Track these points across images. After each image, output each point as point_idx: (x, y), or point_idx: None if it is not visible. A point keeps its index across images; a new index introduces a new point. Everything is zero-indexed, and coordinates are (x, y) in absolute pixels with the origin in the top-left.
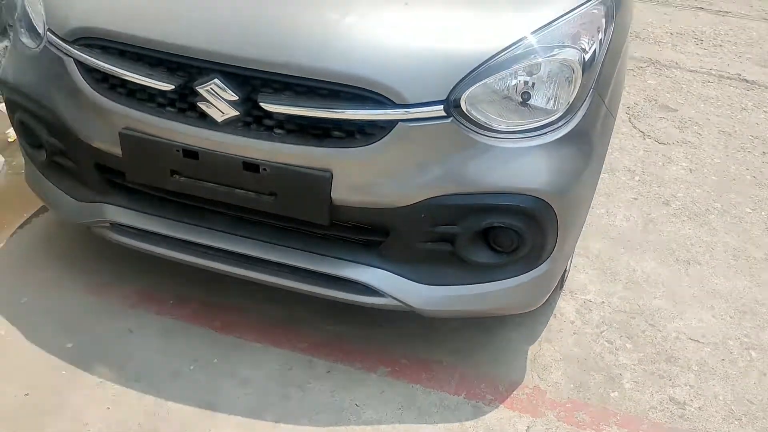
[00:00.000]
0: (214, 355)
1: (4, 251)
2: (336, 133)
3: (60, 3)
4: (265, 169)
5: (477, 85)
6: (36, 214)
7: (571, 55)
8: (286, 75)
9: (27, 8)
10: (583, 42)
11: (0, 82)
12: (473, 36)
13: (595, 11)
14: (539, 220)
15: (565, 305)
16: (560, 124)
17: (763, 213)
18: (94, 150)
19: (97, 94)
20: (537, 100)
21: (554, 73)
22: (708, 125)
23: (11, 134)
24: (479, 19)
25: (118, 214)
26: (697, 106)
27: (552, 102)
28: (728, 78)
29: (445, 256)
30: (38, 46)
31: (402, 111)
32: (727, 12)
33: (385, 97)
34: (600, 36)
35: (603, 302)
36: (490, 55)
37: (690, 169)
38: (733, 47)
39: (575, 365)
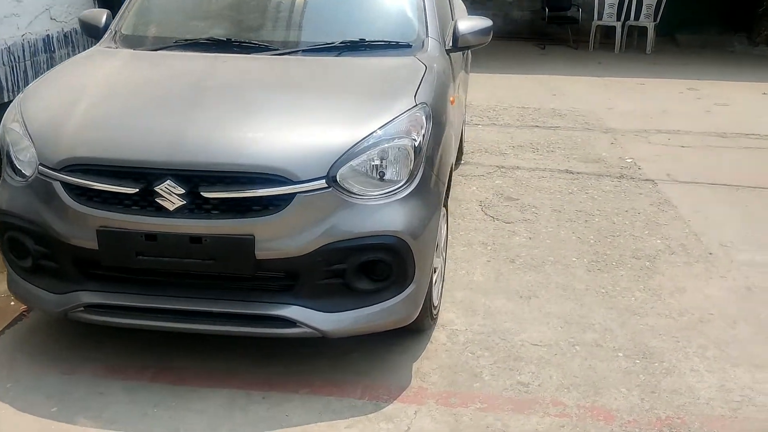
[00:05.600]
0: (173, 399)
1: None
2: (255, 207)
3: (48, 143)
4: (206, 240)
5: (346, 165)
6: (8, 326)
7: (406, 143)
8: (216, 171)
9: (12, 154)
10: (413, 134)
11: None
12: (340, 133)
13: (418, 114)
14: (400, 253)
15: (438, 334)
16: (404, 187)
17: (584, 260)
18: (74, 248)
19: (78, 204)
20: (388, 175)
21: (397, 156)
22: (543, 207)
23: None
24: (344, 121)
25: (90, 297)
26: (534, 194)
27: (398, 175)
28: (558, 172)
29: (340, 288)
30: (28, 179)
31: (299, 186)
32: (557, 126)
33: (285, 177)
34: (423, 130)
35: (467, 329)
36: (352, 144)
37: (529, 237)
38: (562, 151)
39: (448, 370)
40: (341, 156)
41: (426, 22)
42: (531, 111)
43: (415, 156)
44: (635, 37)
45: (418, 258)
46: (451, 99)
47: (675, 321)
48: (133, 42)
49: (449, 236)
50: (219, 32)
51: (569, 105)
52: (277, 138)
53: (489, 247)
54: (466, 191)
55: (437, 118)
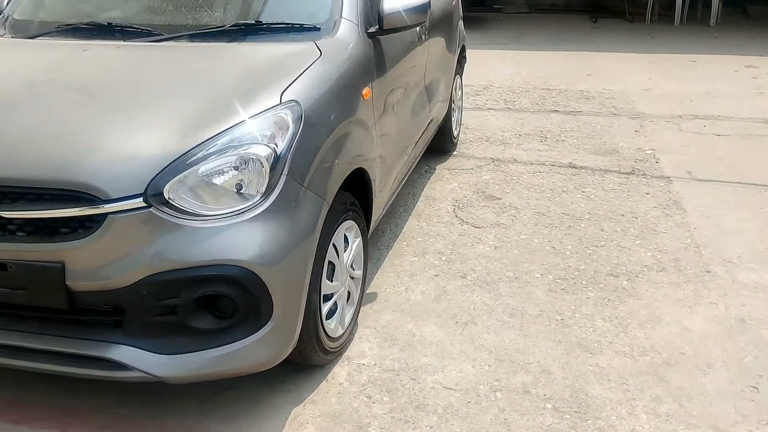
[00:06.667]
0: None
1: None
2: (63, 229)
3: None
4: (11, 267)
5: (179, 177)
6: None
7: (261, 150)
8: (14, 187)
9: None
10: (275, 139)
11: None
12: (168, 140)
13: (282, 114)
14: (246, 286)
15: (339, 370)
16: (255, 205)
17: (549, 277)
18: None
19: None
20: (244, 189)
21: (249, 165)
22: (525, 208)
23: None
24: (179, 125)
25: None
26: (521, 193)
27: (247, 188)
28: (559, 166)
29: (175, 326)
30: None
31: (108, 206)
32: (579, 111)
33: (92, 195)
34: (288, 134)
35: (375, 364)
36: (180, 154)
37: (495, 246)
38: (574, 140)
39: (330, 420)
40: (165, 168)
41: (342, 1)
42: (555, 93)
43: (271, 166)
44: (699, 7)
45: (275, 291)
46: (364, 93)
47: (633, 362)
48: (22, 28)
49: (404, 244)
50: (102, 16)
51: (601, 86)
52: (89, 147)
53: (444, 258)
54: (445, 188)
55: (317, 118)
